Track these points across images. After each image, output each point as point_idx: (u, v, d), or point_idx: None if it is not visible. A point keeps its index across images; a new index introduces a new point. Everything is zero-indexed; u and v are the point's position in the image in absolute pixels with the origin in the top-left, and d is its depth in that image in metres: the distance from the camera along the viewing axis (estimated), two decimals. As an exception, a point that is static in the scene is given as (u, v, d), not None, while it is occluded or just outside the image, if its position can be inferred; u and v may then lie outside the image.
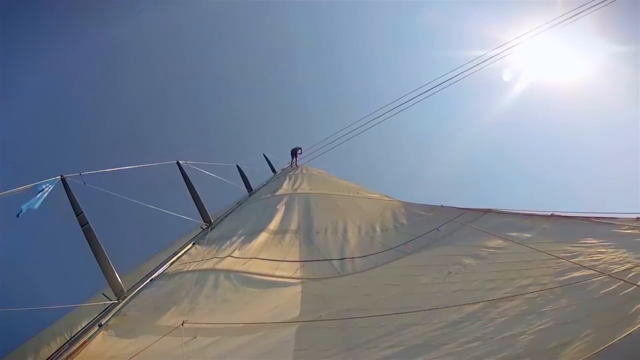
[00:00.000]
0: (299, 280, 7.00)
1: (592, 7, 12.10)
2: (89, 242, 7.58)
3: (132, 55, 33.29)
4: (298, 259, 8.09)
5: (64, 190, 7.62)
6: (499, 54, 14.43)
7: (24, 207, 6.35)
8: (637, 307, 3.03)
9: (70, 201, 7.70)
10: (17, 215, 6.28)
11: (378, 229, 8.94)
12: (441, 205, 8.76)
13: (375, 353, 3.78)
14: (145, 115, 33.83)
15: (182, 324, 5.46)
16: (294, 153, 18.63)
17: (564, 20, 12.71)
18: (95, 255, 7.51)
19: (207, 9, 33.05)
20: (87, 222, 7.66)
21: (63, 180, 7.56)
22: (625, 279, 3.43)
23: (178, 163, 11.72)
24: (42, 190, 6.80)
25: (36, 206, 6.45)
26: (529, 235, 5.70)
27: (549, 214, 6.06)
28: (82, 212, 7.71)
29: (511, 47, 14.36)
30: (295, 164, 18.30)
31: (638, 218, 4.73)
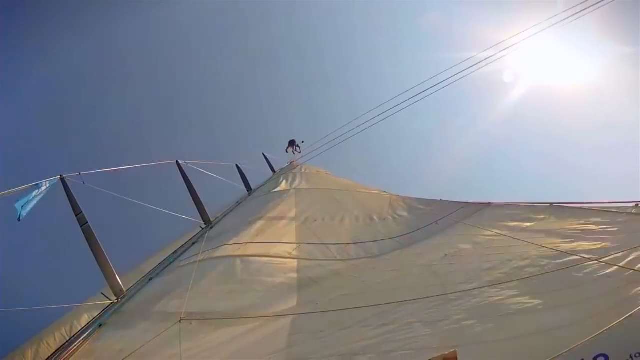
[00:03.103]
0: (294, 260, 6.97)
1: (593, 5, 12.04)
2: (88, 241, 7.55)
3: (130, 55, 33.30)
4: (294, 241, 8.06)
5: (64, 190, 7.60)
6: (496, 54, 14.40)
7: (22, 209, 6.33)
8: (634, 290, 3.02)
9: (70, 201, 7.68)
10: (19, 219, 6.29)
11: (376, 219, 8.92)
12: (440, 200, 8.75)
13: (369, 331, 3.79)
14: (144, 115, 33.84)
15: (180, 321, 5.47)
16: (292, 143, 18.70)
17: (566, 19, 12.65)
18: (95, 255, 7.49)
19: (206, 8, 33.09)
20: (87, 222, 7.64)
21: (62, 180, 7.55)
22: (622, 263, 3.42)
23: (177, 162, 11.68)
24: (40, 189, 6.79)
25: (31, 206, 6.43)
26: (528, 224, 5.70)
27: (548, 204, 6.07)
28: (82, 212, 7.69)
29: (512, 46, 14.32)
30: (297, 151, 18.45)
31: (637, 205, 4.72)
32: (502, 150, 39.45)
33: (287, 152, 18.90)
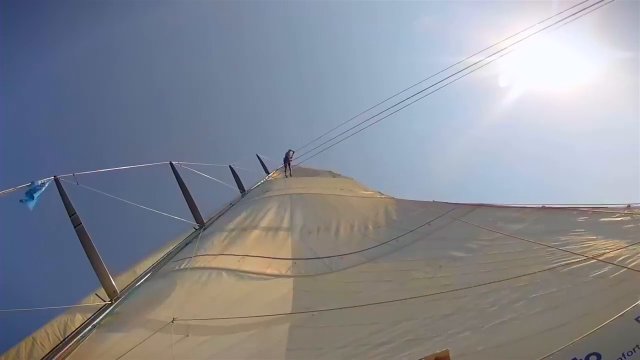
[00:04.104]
0: (291, 278, 7.00)
1: (587, 7, 12.14)
2: (82, 242, 7.51)
3: (125, 56, 33.20)
4: (290, 257, 8.08)
5: (57, 191, 7.56)
6: (491, 56, 14.51)
7: (25, 198, 6.38)
8: (627, 288, 3.09)
9: (64, 201, 7.64)
10: (21, 201, 6.37)
11: (370, 226, 8.97)
12: (433, 201, 8.83)
13: (368, 351, 3.81)
14: (139, 116, 33.76)
15: (172, 321, 5.46)
16: (286, 159, 18.46)
17: (560, 20, 12.74)
18: (89, 256, 7.44)
19: (202, 9, 33.10)
20: (80, 223, 7.60)
21: (56, 180, 7.50)
22: (615, 262, 3.48)
23: (171, 164, 11.64)
24: (37, 189, 6.78)
25: (33, 204, 6.45)
26: (520, 227, 5.76)
27: (540, 206, 6.14)
28: (75, 213, 7.64)
29: (507, 47, 14.43)
30: (289, 168, 18.22)
31: (629, 206, 4.80)
32: (498, 153, 39.77)
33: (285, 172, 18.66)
